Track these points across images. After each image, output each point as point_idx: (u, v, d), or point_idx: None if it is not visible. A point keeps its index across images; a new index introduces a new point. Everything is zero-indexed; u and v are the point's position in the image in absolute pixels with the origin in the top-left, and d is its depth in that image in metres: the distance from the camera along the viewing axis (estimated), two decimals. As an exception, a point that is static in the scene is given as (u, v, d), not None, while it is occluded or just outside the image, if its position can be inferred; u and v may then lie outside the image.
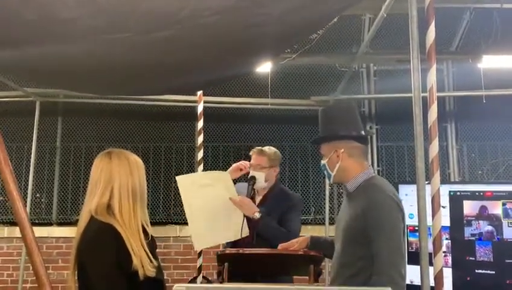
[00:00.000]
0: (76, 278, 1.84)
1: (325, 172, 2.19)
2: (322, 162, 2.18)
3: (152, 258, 1.81)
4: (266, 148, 3.02)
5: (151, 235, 1.93)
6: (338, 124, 2.15)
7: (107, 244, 1.77)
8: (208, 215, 2.70)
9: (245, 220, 2.71)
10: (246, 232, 2.68)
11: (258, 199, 2.94)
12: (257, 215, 2.70)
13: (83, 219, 1.86)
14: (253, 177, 2.89)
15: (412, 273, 2.64)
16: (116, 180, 1.86)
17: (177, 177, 2.82)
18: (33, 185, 5.14)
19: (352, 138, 2.14)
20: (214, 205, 2.71)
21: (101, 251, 1.77)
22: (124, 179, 1.86)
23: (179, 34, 1.99)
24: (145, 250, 1.80)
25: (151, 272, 1.77)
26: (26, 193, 5.04)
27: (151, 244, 1.90)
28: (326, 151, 2.16)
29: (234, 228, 2.66)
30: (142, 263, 1.76)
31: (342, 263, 2.05)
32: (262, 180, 2.90)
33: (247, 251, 2.44)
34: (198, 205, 2.71)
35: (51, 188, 5.80)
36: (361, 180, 2.10)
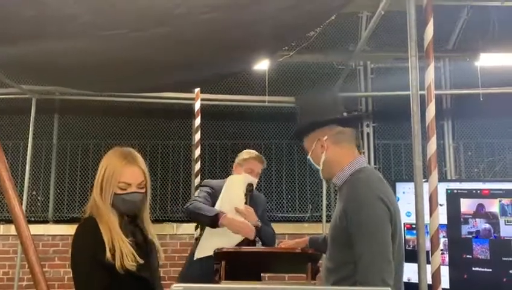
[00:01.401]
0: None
1: (313, 166, 1.93)
2: (308, 156, 1.94)
3: (136, 255, 1.77)
4: (260, 155, 3.02)
5: (146, 236, 1.91)
6: (315, 111, 1.93)
7: (85, 237, 1.80)
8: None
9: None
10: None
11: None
12: (259, 223, 2.75)
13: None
14: (251, 185, 2.88)
15: (410, 271, 2.64)
16: (95, 181, 1.88)
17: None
18: (29, 182, 5.12)
19: (334, 121, 1.88)
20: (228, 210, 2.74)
21: (79, 243, 1.81)
22: (96, 177, 1.87)
23: (176, 31, 1.98)
24: (127, 244, 1.78)
25: (130, 265, 1.74)
26: (22, 191, 5.02)
27: (145, 243, 1.88)
28: (308, 144, 1.92)
29: (235, 236, 2.68)
30: (122, 257, 1.74)
31: (328, 267, 1.85)
32: (255, 185, 2.94)
33: (245, 249, 2.44)
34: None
35: (47, 185, 5.77)
36: (348, 173, 1.84)
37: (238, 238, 2.69)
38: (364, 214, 1.70)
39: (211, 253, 2.34)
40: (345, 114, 1.93)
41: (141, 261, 1.78)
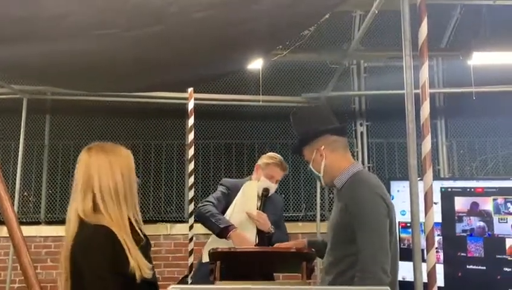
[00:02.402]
0: (70, 282, 1.73)
1: (316, 176, 2.15)
2: (309, 166, 2.14)
3: (147, 261, 1.72)
4: (283, 161, 2.90)
5: (145, 235, 1.82)
6: (311, 123, 2.12)
7: (103, 247, 1.67)
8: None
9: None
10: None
11: (257, 204, 2.86)
12: (272, 230, 2.72)
13: (72, 219, 1.75)
14: (267, 190, 2.81)
15: (405, 270, 2.64)
16: (95, 180, 1.74)
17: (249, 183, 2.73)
18: (21, 183, 5.07)
19: (328, 132, 2.09)
20: (235, 216, 2.71)
21: (97, 254, 1.67)
22: (104, 178, 1.74)
23: (169, 30, 1.97)
24: (139, 252, 1.71)
25: (148, 274, 1.69)
26: (14, 192, 4.97)
27: (146, 245, 1.81)
28: (308, 154, 2.13)
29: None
30: (139, 265, 1.67)
31: (330, 261, 2.05)
32: (273, 191, 2.86)
33: (240, 249, 2.42)
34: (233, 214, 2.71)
35: (39, 186, 5.72)
36: (347, 176, 2.06)
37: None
38: (366, 210, 1.90)
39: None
40: (337, 124, 2.15)
41: (150, 265, 1.72)
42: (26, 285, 1.42)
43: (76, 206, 1.74)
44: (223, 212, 2.82)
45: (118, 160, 1.78)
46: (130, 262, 1.65)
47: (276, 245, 2.37)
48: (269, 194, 2.82)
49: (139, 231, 1.79)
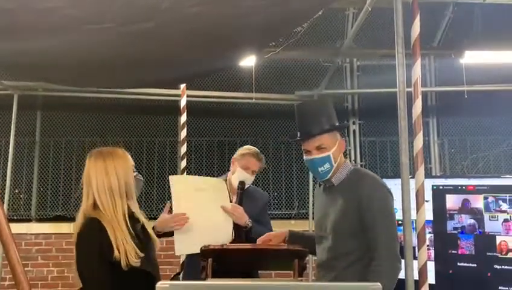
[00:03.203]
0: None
1: (327, 165, 2.06)
2: (325, 154, 2.05)
3: (138, 250, 1.92)
4: (259, 152, 2.88)
5: (144, 227, 2.08)
6: (327, 115, 2.12)
7: (91, 236, 1.93)
8: (197, 219, 2.60)
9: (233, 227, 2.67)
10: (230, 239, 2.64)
11: (233, 198, 2.79)
12: (249, 223, 2.66)
13: (79, 218, 2.00)
14: (243, 183, 2.75)
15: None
16: (93, 182, 2.00)
17: (170, 177, 2.70)
18: (11, 180, 5.02)
19: (339, 129, 2.18)
20: (204, 211, 2.61)
21: (85, 242, 1.94)
22: (100, 180, 1.99)
23: (161, 25, 1.95)
24: (130, 241, 1.92)
25: (134, 262, 1.89)
26: (4, 189, 4.92)
27: (143, 234, 2.05)
28: (329, 142, 2.07)
29: (223, 236, 2.61)
30: (127, 254, 1.88)
31: (334, 255, 2.05)
32: (250, 183, 2.84)
33: (231, 246, 2.41)
34: (188, 208, 2.60)
35: (30, 183, 5.67)
36: (345, 173, 2.09)
37: (224, 235, 2.62)
38: (381, 203, 1.99)
39: (196, 250, 2.30)
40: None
41: (141, 254, 1.92)
42: (15, 282, 1.41)
43: (83, 208, 2.01)
44: None
45: (113, 163, 2.04)
46: (114, 251, 1.88)
47: (260, 240, 2.35)
48: (245, 187, 2.77)
49: (141, 220, 2.08)
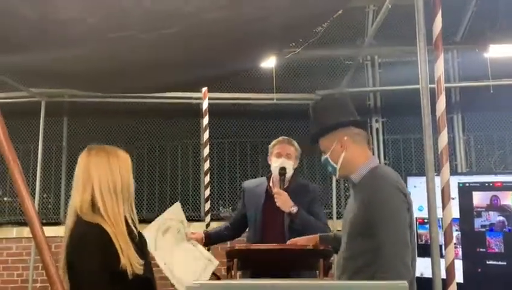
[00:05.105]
0: (67, 278, 1.79)
1: (329, 167, 2.06)
2: (323, 157, 2.05)
3: (138, 257, 1.77)
4: (288, 138, 2.92)
5: (140, 232, 1.90)
6: (333, 113, 2.05)
7: (94, 244, 1.74)
8: (179, 257, 2.65)
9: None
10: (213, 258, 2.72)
11: (276, 186, 2.80)
12: (294, 209, 2.63)
13: (70, 217, 1.83)
14: (284, 169, 2.75)
15: (422, 266, 2.62)
16: (95, 178, 1.80)
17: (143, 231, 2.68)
18: (40, 185, 5.15)
19: (352, 123, 2.04)
20: (178, 248, 2.67)
21: (88, 251, 1.74)
22: (103, 176, 1.81)
23: (183, 31, 1.98)
24: (132, 248, 1.77)
25: (139, 269, 1.74)
26: (34, 193, 5.06)
27: (140, 242, 1.87)
28: (326, 144, 2.04)
29: (204, 259, 2.67)
30: (130, 261, 1.73)
31: (346, 256, 2.00)
32: (291, 169, 2.81)
33: (256, 246, 2.43)
34: (166, 251, 2.63)
35: (58, 187, 5.81)
36: (366, 170, 2.00)
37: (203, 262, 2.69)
38: (388, 205, 1.87)
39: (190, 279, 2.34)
40: (358, 118, 2.09)
41: (142, 261, 1.77)
42: (49, 283, 1.45)
43: (75, 204, 1.81)
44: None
45: (117, 161, 1.86)
46: (121, 259, 1.71)
47: (290, 241, 2.35)
48: (286, 173, 2.76)
49: (133, 229, 1.85)
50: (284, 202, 2.64)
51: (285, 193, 2.68)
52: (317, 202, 2.86)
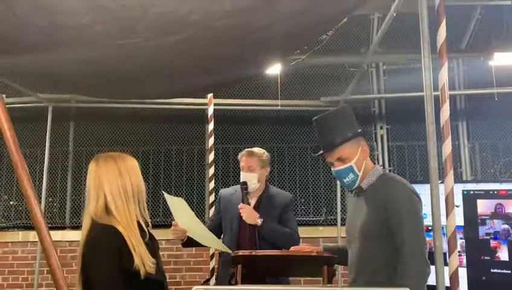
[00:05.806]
0: (82, 279, 1.86)
1: (351, 175, 2.08)
2: (347, 165, 2.07)
3: (150, 257, 1.82)
4: (255, 149, 3.01)
5: (152, 235, 1.94)
6: (351, 122, 2.14)
7: (108, 245, 1.80)
8: (197, 227, 2.68)
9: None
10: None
11: (252, 202, 2.90)
12: (259, 222, 2.74)
13: (85, 224, 1.90)
14: (245, 183, 2.86)
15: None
16: (105, 184, 1.88)
17: (165, 194, 2.67)
18: (46, 189, 5.19)
19: (361, 134, 2.16)
20: (195, 221, 2.70)
21: (101, 252, 1.80)
22: (113, 182, 1.88)
23: (189, 38, 2.00)
24: (144, 248, 1.82)
25: (151, 268, 1.79)
26: (40, 198, 5.09)
27: (152, 244, 1.92)
28: (349, 152, 2.08)
29: (219, 244, 2.71)
30: (143, 260, 1.78)
31: (363, 260, 2.06)
32: (255, 181, 2.89)
33: (261, 252, 2.44)
34: (187, 218, 2.68)
35: (64, 192, 5.84)
36: (375, 177, 2.11)
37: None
38: (408, 207, 1.98)
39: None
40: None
41: (154, 261, 1.82)
42: (55, 287, 1.47)
43: (90, 211, 1.89)
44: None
45: (125, 166, 1.93)
46: (135, 259, 1.77)
47: (294, 248, 2.37)
48: (248, 187, 2.85)
49: (146, 230, 1.92)
50: (248, 216, 2.74)
51: (249, 206, 2.79)
52: (290, 210, 2.93)
